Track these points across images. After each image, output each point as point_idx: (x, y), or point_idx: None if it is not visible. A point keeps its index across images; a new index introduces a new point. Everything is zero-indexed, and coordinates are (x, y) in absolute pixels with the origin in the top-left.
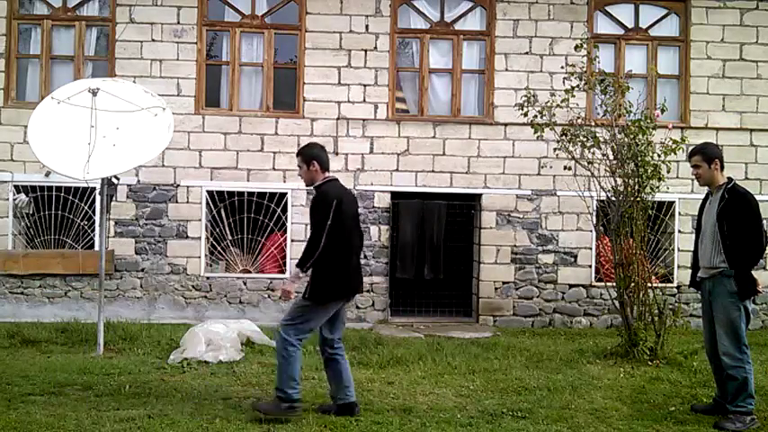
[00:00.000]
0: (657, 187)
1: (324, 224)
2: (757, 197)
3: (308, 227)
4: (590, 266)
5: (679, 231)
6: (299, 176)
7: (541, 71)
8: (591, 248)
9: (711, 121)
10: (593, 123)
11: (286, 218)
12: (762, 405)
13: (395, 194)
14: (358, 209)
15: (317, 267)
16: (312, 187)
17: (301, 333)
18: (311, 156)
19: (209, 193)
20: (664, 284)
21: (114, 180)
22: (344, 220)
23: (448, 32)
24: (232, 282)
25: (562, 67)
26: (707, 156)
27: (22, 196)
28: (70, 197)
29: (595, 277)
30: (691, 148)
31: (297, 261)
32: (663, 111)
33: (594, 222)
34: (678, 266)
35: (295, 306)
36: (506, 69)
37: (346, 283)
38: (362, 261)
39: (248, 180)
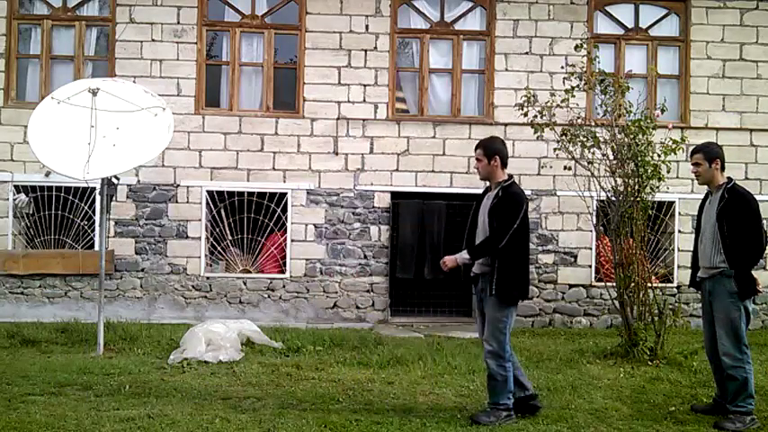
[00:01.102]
0: (657, 187)
1: (512, 224)
2: (757, 197)
3: (488, 222)
4: (590, 266)
5: (679, 231)
6: (474, 168)
7: (541, 71)
8: (591, 248)
9: (711, 121)
10: (593, 123)
11: (286, 218)
12: (762, 405)
13: (395, 194)
14: None
15: (506, 271)
16: (495, 184)
17: (507, 344)
18: (495, 150)
19: (209, 193)
20: (664, 284)
21: (114, 180)
22: (528, 223)
23: (448, 32)
24: (232, 282)
25: (562, 67)
26: (708, 155)
27: (22, 196)
28: (70, 197)
29: (595, 277)
30: (693, 147)
31: (471, 249)
32: (663, 111)
33: (594, 222)
34: (678, 266)
35: (491, 317)
36: (506, 69)
37: (528, 284)
38: (362, 261)
39: (248, 180)
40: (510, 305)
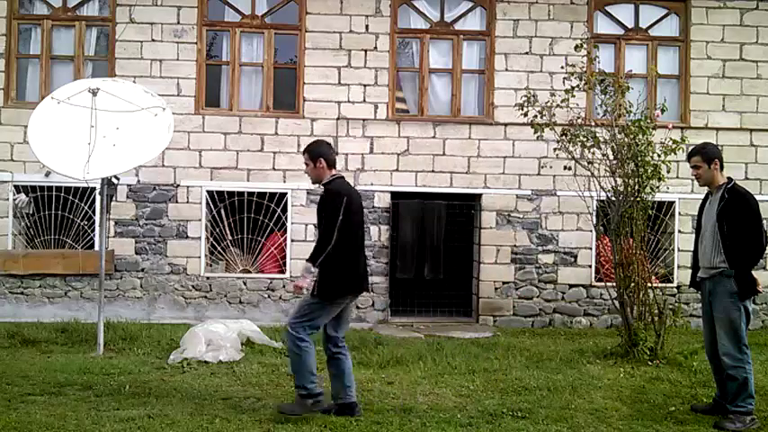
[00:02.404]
0: (657, 187)
1: (335, 220)
2: (757, 197)
3: (317, 224)
4: (590, 266)
5: (679, 231)
6: (305, 174)
7: (541, 71)
8: (591, 248)
9: (711, 121)
10: (593, 123)
11: (286, 218)
12: (762, 405)
13: (395, 194)
14: (362, 207)
15: (326, 264)
16: (321, 185)
17: (310, 330)
18: (318, 153)
19: (209, 193)
20: (664, 284)
21: (114, 180)
22: (353, 216)
23: (448, 32)
24: (232, 282)
25: (562, 67)
26: (706, 156)
27: (22, 196)
28: (70, 197)
29: (595, 277)
30: (690, 149)
31: (308, 256)
32: (663, 111)
33: (594, 222)
34: (678, 266)
35: (303, 303)
36: (506, 69)
37: (355, 280)
38: None
39: (248, 180)
40: (324, 300)
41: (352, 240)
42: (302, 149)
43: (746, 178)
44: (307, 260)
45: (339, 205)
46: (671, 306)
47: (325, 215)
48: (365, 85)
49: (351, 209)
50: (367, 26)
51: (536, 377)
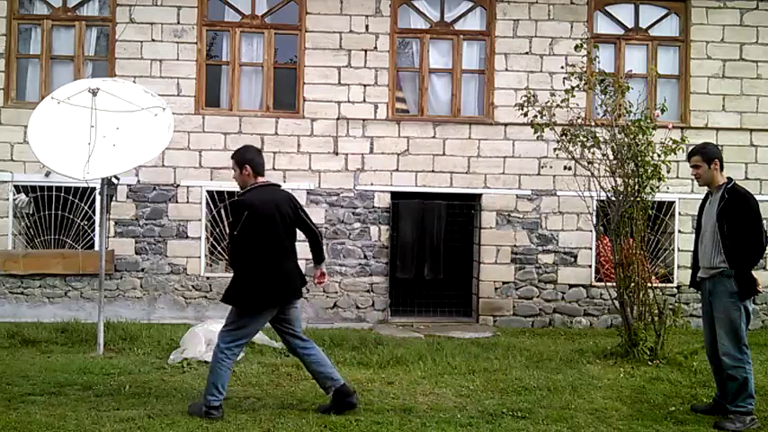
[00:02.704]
0: (657, 187)
1: (232, 232)
2: (757, 197)
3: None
4: (590, 266)
5: (679, 231)
6: (233, 179)
7: (541, 71)
8: (591, 248)
9: (711, 121)
10: (593, 123)
11: None
12: (762, 405)
13: (395, 194)
14: (293, 213)
15: (238, 276)
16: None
17: (237, 340)
18: (244, 160)
19: (209, 193)
20: (664, 284)
21: (114, 180)
22: (260, 228)
23: (448, 32)
24: None
25: (562, 67)
26: (706, 156)
27: (22, 196)
28: (70, 197)
29: (595, 277)
30: (690, 149)
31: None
32: (663, 111)
33: (594, 222)
34: (678, 266)
35: (230, 311)
36: (506, 69)
37: (275, 290)
38: (362, 261)
39: None
40: (242, 311)
41: (263, 253)
42: (303, 149)
43: (746, 178)
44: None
45: (238, 219)
46: (671, 306)
47: (230, 226)
48: (365, 85)
49: (257, 220)
50: (367, 26)
51: (536, 377)
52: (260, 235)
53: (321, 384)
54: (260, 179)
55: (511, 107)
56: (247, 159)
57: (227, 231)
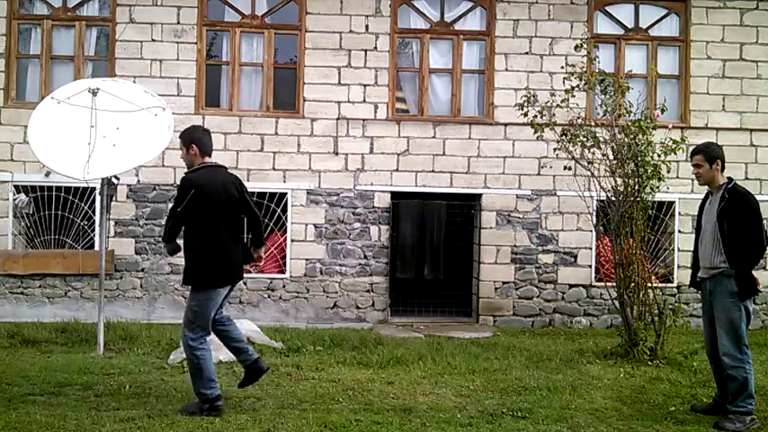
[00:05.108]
0: (657, 187)
1: (174, 210)
2: (757, 197)
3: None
4: (590, 266)
5: (679, 231)
6: (180, 159)
7: (541, 71)
8: (591, 248)
9: (711, 121)
10: (593, 123)
11: (286, 218)
12: (762, 405)
13: (395, 194)
14: (238, 195)
15: (193, 257)
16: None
17: (202, 330)
18: (191, 139)
19: None
20: (664, 284)
21: (114, 180)
22: (209, 208)
23: (448, 32)
24: None
25: (562, 67)
26: (709, 156)
27: (22, 196)
28: (70, 197)
29: (595, 277)
30: (693, 148)
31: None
32: (663, 111)
33: (594, 222)
34: (678, 266)
35: (188, 307)
36: (506, 69)
37: (226, 271)
38: (362, 261)
39: (248, 180)
40: (199, 291)
41: (207, 232)
42: (303, 149)
43: (746, 178)
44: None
45: (183, 197)
46: (671, 306)
47: (173, 204)
48: (365, 85)
49: (204, 200)
50: (367, 26)
51: (536, 377)
52: (205, 214)
53: (241, 359)
54: (207, 159)
55: (511, 107)
56: (195, 139)
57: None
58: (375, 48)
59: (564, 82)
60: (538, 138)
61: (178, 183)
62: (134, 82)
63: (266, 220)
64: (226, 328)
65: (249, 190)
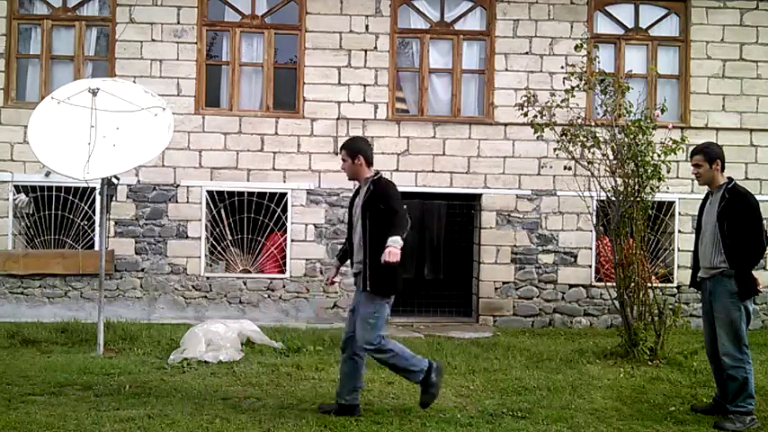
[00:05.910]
0: (657, 187)
1: (401, 208)
2: (757, 197)
3: (367, 215)
4: (590, 266)
5: (679, 231)
6: (341, 169)
7: (541, 71)
8: (591, 248)
9: (711, 121)
10: (593, 123)
11: (286, 218)
12: (762, 405)
13: None
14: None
15: (376, 264)
16: (369, 180)
17: (379, 332)
18: (358, 150)
19: (209, 193)
20: (664, 284)
21: (114, 180)
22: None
23: (448, 32)
24: (232, 282)
25: (562, 67)
26: (709, 156)
27: (22, 196)
28: (70, 197)
29: (595, 277)
30: (693, 147)
31: (394, 232)
32: (663, 111)
33: (594, 222)
34: (678, 266)
35: (365, 316)
36: (506, 69)
37: (401, 276)
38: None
39: (248, 180)
40: (383, 297)
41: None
42: (303, 149)
43: (746, 178)
44: (397, 234)
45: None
46: (671, 306)
47: (397, 204)
48: (365, 85)
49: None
50: (367, 26)
51: (536, 377)
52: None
53: (340, 390)
54: (372, 169)
55: (511, 107)
56: (362, 149)
57: (228, 231)
58: (375, 48)
59: (564, 82)
60: (538, 138)
61: (384, 187)
62: (134, 82)
63: (266, 220)
64: (357, 353)
65: (249, 190)
